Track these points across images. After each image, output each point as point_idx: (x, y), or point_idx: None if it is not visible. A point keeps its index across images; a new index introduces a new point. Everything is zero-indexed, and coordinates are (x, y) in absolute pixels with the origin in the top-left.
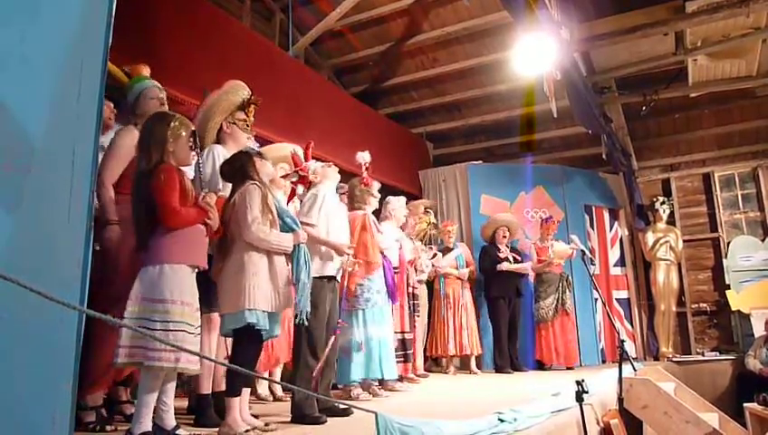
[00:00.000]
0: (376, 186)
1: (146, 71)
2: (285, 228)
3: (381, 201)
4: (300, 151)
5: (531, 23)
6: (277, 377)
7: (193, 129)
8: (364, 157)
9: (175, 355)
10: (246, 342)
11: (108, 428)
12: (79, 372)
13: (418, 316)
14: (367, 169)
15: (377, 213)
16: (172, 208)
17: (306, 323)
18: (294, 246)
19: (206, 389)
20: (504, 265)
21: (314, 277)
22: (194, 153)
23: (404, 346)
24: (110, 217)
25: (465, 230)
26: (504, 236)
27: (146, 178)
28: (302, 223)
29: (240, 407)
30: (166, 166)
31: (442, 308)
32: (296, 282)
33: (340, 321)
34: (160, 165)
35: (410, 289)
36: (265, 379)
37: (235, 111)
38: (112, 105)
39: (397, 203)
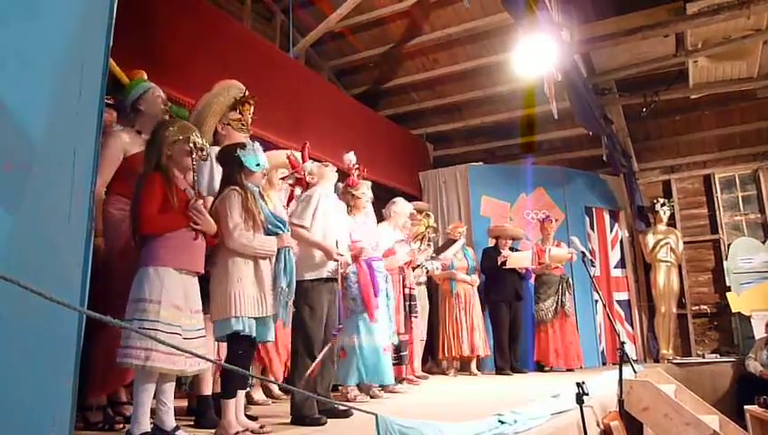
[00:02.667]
0: (364, 185)
1: (144, 75)
2: (269, 232)
3: (380, 201)
4: (297, 154)
5: (531, 24)
6: (279, 376)
7: (190, 135)
8: (350, 158)
9: (145, 353)
10: (237, 347)
11: (117, 427)
12: (86, 374)
13: (416, 317)
14: (357, 169)
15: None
16: (145, 215)
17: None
18: (279, 250)
19: (207, 390)
20: (505, 253)
21: (311, 279)
22: (195, 157)
23: (397, 348)
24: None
25: (465, 232)
26: (505, 244)
27: (138, 184)
28: (294, 225)
29: (236, 409)
30: (150, 174)
31: (455, 309)
32: (274, 288)
33: (340, 326)
34: (147, 173)
35: (407, 290)
36: (262, 379)
37: (228, 112)
38: (115, 114)
39: (399, 207)
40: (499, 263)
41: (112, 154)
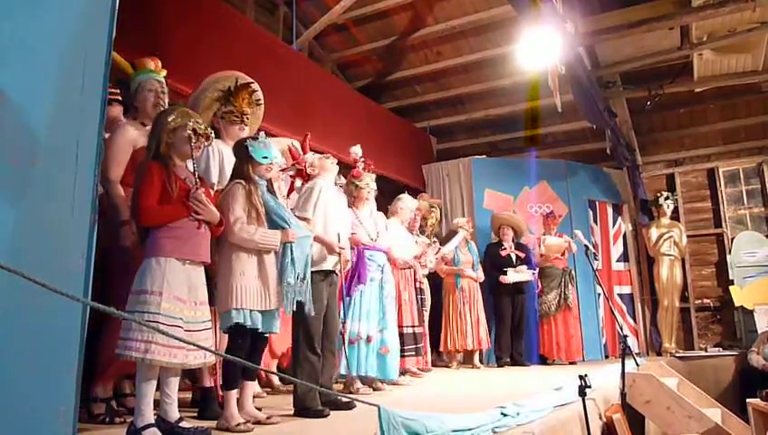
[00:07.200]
0: (367, 177)
1: (152, 64)
2: (274, 226)
3: (383, 194)
4: (297, 145)
5: (535, 17)
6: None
7: (191, 122)
8: (356, 151)
9: (144, 346)
10: (238, 339)
11: (117, 419)
12: (90, 365)
13: (425, 311)
14: (364, 162)
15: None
16: (142, 207)
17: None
18: (284, 244)
19: (210, 382)
20: (507, 279)
21: (311, 272)
22: (196, 145)
23: (415, 340)
24: (122, 217)
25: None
26: (506, 233)
27: (137, 175)
28: (296, 217)
29: (244, 400)
30: (148, 163)
31: (459, 303)
32: (281, 283)
33: (344, 322)
34: (146, 162)
35: (417, 284)
36: (265, 371)
37: (220, 105)
38: (121, 108)
39: (405, 203)
40: (500, 280)
41: (121, 147)
